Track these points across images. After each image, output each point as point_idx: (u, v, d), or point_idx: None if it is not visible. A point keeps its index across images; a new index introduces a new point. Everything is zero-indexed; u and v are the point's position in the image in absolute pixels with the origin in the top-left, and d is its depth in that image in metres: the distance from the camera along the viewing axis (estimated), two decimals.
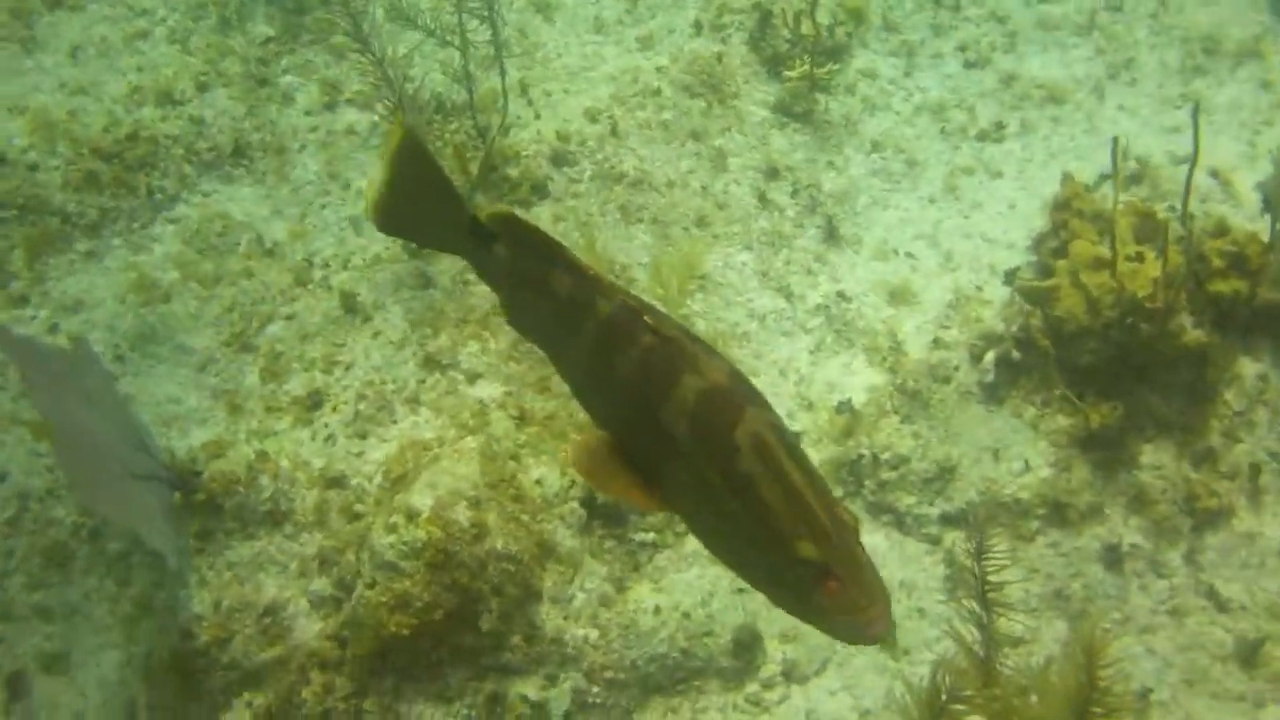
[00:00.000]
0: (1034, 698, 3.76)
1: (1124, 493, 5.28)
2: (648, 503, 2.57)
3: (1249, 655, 4.98)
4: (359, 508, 4.94)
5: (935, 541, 5.31)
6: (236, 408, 5.34)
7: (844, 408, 5.60)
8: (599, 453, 2.62)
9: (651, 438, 2.53)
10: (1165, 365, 5.34)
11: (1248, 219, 6.01)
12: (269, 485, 4.93)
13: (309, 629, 4.69)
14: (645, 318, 2.56)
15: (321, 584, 4.78)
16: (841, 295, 6.13)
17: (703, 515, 2.50)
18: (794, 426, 5.55)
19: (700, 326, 5.82)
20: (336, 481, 5.03)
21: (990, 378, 5.54)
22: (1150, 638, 5.05)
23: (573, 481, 5.06)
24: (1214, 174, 6.44)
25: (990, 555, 4.40)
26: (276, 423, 5.26)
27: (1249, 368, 5.50)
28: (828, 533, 2.33)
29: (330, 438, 5.20)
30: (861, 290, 6.16)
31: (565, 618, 4.84)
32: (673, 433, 2.48)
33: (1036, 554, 5.20)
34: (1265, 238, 5.50)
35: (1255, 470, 5.30)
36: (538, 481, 5.03)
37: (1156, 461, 5.31)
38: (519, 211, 3.07)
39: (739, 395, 2.48)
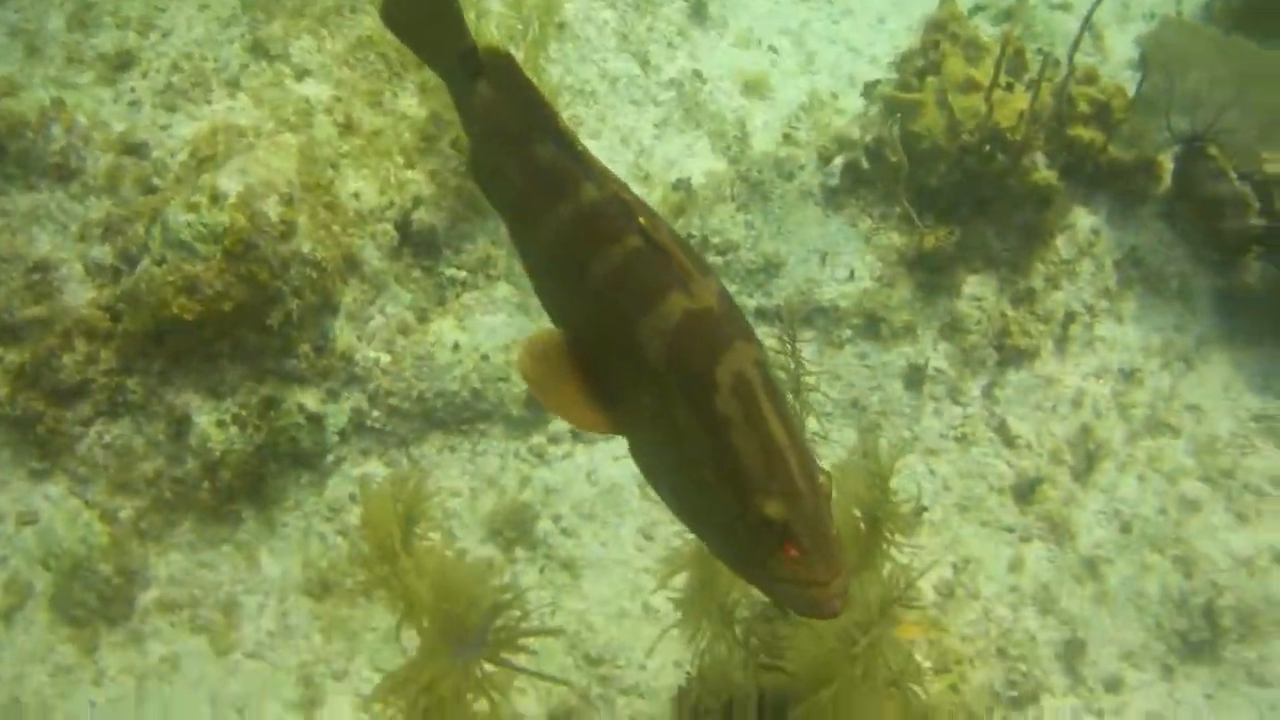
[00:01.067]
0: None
1: (940, 318, 5.28)
2: (598, 422, 2.27)
3: (1025, 492, 5.09)
4: (157, 181, 4.59)
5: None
6: (35, 50, 4.86)
7: (681, 185, 5.43)
8: (551, 356, 2.30)
9: (619, 352, 2.24)
10: (1008, 202, 5.31)
11: (1111, 73, 5.98)
12: (60, 137, 4.52)
13: (80, 295, 4.37)
14: (639, 217, 2.26)
15: (103, 252, 4.44)
16: (698, 75, 5.91)
17: (660, 449, 2.23)
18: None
19: (553, 75, 5.54)
20: (136, 149, 4.65)
21: (834, 182, 5.43)
22: (934, 460, 5.11)
23: (391, 202, 4.80)
24: (1089, 26, 6.38)
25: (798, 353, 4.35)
26: (78, 75, 4.81)
27: (1084, 219, 5.52)
28: (799, 493, 2.06)
29: (135, 103, 4.79)
30: (718, 74, 5.96)
31: (359, 337, 4.63)
32: (645, 353, 2.19)
33: (843, 362, 5.19)
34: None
35: (1069, 318, 5.36)
36: (355, 195, 4.75)
37: (978, 294, 5.31)
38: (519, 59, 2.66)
39: (728, 325, 2.20)
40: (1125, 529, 5.13)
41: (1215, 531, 5.21)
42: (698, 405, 2.12)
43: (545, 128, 2.40)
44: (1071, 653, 4.86)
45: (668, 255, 2.22)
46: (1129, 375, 5.42)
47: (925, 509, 4.95)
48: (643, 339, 2.19)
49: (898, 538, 3.53)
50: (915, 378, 5.19)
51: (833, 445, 4.89)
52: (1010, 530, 5.02)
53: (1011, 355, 5.29)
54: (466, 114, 2.62)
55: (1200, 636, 5.00)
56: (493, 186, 2.59)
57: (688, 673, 4.10)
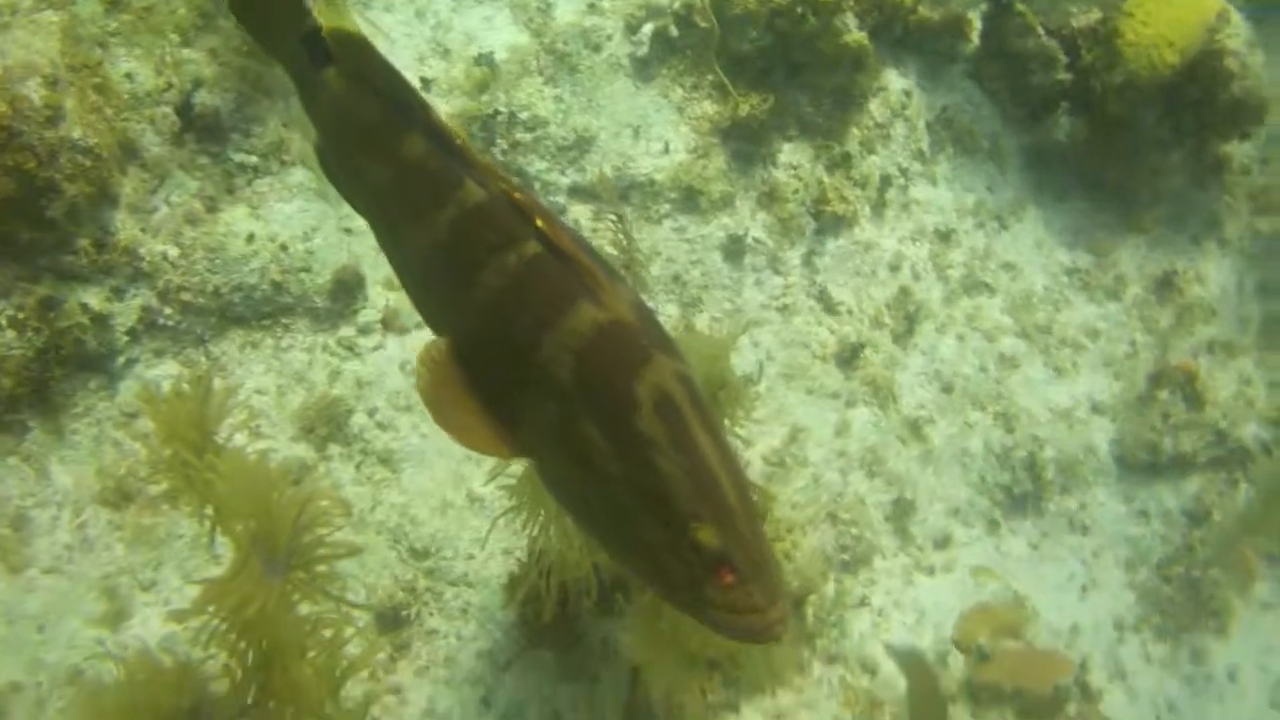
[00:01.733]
0: None
1: (757, 188, 5.19)
2: (500, 448, 2.07)
3: (849, 358, 5.07)
4: None
5: (561, 212, 5.07)
6: None
7: (484, 60, 5.18)
8: (446, 372, 2.07)
9: (520, 370, 2.02)
10: (820, 66, 5.22)
11: None
12: None
13: None
14: (535, 219, 2.02)
15: None
16: None
17: (573, 474, 2.02)
18: (425, 72, 5.09)
19: None
20: None
21: (643, 52, 5.25)
22: (758, 331, 5.05)
23: (169, 83, 4.45)
24: None
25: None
26: None
27: (895, 82, 5.47)
28: (732, 516, 1.91)
29: None
30: None
31: (143, 230, 4.31)
32: (553, 370, 1.97)
33: (662, 236, 5.06)
34: None
35: (885, 183, 5.32)
36: (127, 75, 4.39)
37: (794, 161, 5.23)
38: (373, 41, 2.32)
39: (645, 337, 2.00)
40: (947, 389, 5.17)
41: (1034, 386, 5.29)
42: (616, 427, 1.94)
43: (411, 119, 2.13)
44: (900, 513, 4.90)
45: (571, 261, 2.00)
46: (945, 236, 5.43)
47: (751, 380, 4.90)
48: (548, 356, 1.98)
49: (739, 414, 3.44)
50: (735, 249, 5.10)
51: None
52: (835, 396, 5.01)
53: (829, 222, 5.23)
54: (314, 108, 2.31)
55: (1023, 490, 5.09)
56: (352, 190, 2.31)
57: (519, 559, 3.98)
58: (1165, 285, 5.75)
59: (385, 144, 2.16)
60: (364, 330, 4.61)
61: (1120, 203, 5.82)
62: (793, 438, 4.85)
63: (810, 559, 4.58)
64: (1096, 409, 5.38)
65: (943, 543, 4.94)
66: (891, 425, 5.02)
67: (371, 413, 4.50)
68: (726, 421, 3.42)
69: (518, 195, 2.06)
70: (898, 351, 5.16)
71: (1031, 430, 5.17)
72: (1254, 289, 5.96)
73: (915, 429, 5.05)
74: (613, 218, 4.39)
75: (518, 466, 3.42)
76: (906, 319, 5.21)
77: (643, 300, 2.09)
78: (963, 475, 5.06)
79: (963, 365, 5.21)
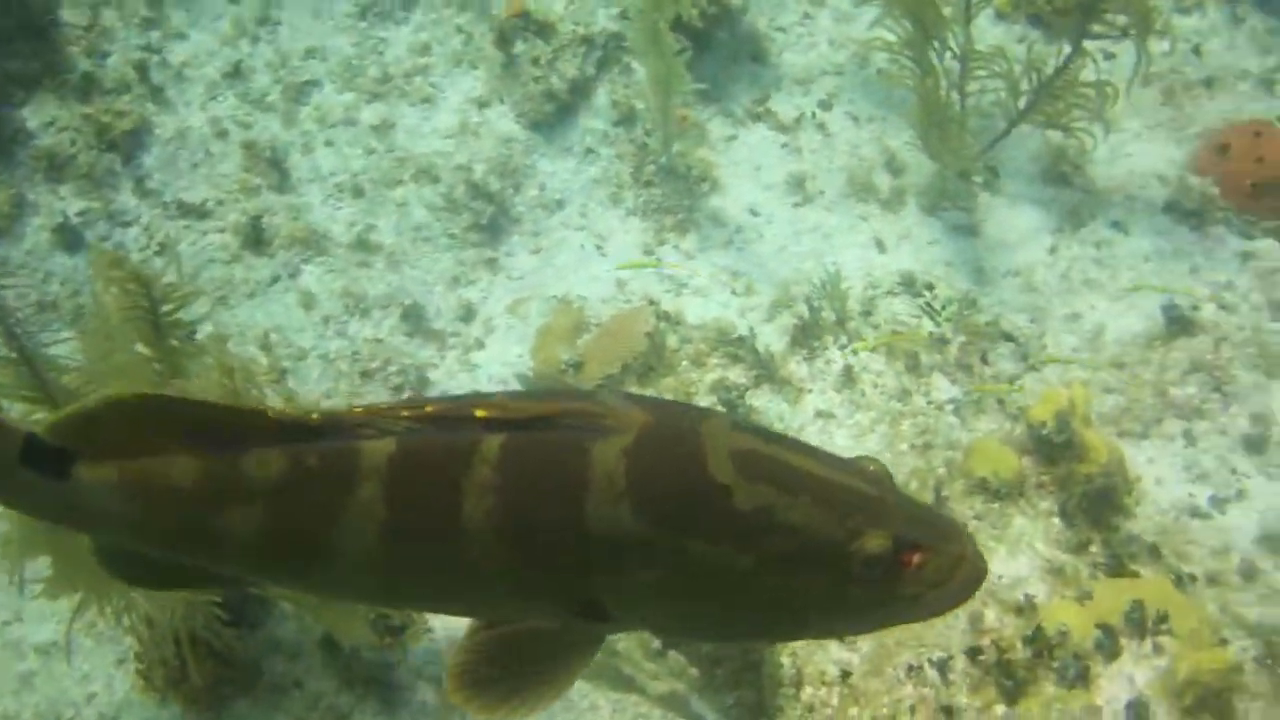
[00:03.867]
0: None
1: None
2: (588, 652, 1.81)
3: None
4: None
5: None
6: None
7: None
8: (481, 670, 1.78)
9: (578, 556, 1.73)
10: None
11: None
12: None
13: None
14: (470, 411, 1.72)
15: None
16: None
17: (703, 606, 1.78)
18: None
19: None
20: None
21: None
22: None
23: None
24: None
25: None
26: None
27: None
28: (871, 502, 1.75)
29: None
30: None
31: None
32: (616, 528, 1.70)
33: None
34: None
35: None
36: None
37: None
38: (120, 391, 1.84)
39: (682, 420, 1.79)
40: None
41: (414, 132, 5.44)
42: (720, 526, 1.71)
43: (242, 440, 1.75)
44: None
45: (542, 420, 1.73)
46: None
47: None
48: (599, 524, 1.71)
49: None
50: None
51: None
52: None
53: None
54: (80, 519, 1.84)
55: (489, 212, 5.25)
56: (206, 562, 1.87)
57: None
58: None
59: (228, 488, 1.75)
60: None
61: None
62: None
63: None
64: (481, 105, 5.52)
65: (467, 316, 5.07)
66: None
67: None
68: None
69: (430, 409, 1.74)
70: None
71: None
72: None
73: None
74: None
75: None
76: None
77: (654, 398, 1.87)
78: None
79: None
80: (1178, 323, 4.49)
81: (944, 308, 4.71)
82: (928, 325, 4.67)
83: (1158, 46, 4.90)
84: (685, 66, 4.99)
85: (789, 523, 1.70)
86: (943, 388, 4.47)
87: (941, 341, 4.58)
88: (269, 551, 1.79)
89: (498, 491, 1.70)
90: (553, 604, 1.78)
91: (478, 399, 1.73)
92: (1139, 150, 5.17)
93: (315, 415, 1.74)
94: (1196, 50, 5.34)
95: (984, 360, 4.55)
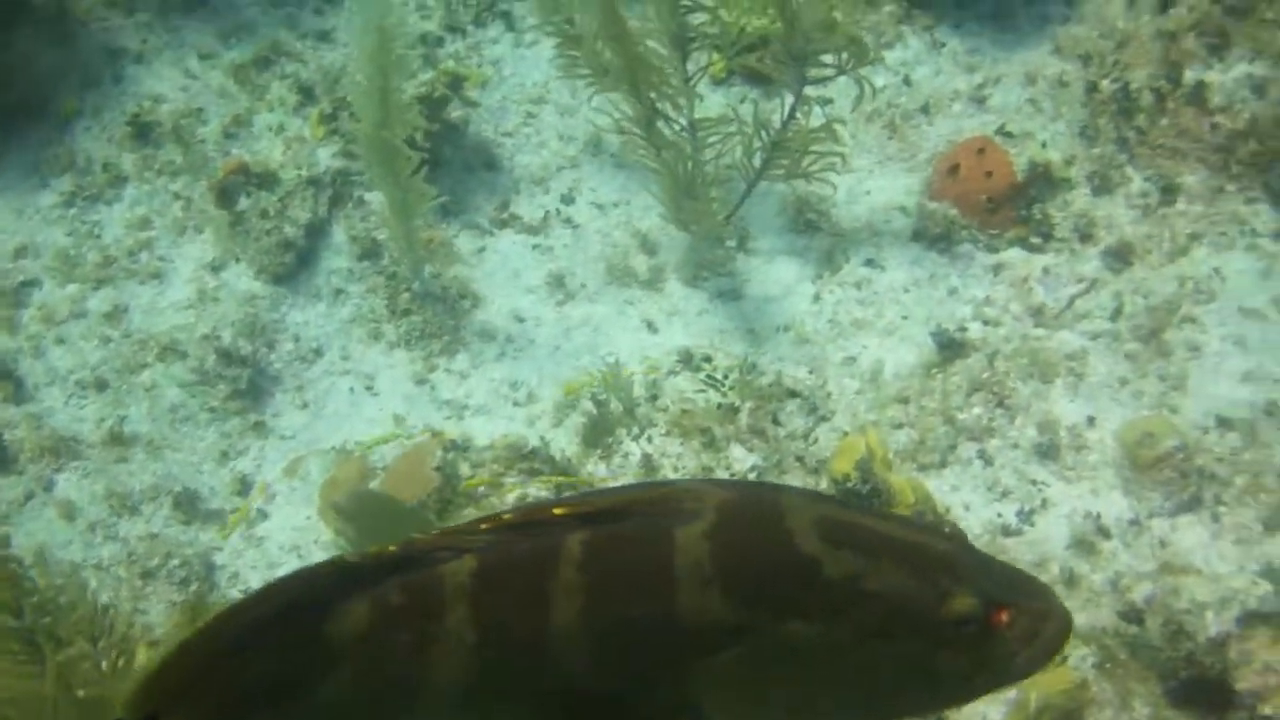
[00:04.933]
0: None
1: None
2: None
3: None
4: None
5: None
6: None
7: None
8: None
9: (662, 665, 1.67)
10: None
11: None
12: None
13: None
14: (549, 512, 1.67)
15: None
16: None
17: (797, 690, 1.71)
18: None
19: None
20: None
21: None
22: None
23: None
24: None
25: None
26: None
27: None
28: (963, 563, 1.70)
29: None
30: None
31: None
32: (703, 623, 1.65)
33: None
34: None
35: None
36: None
37: None
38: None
39: (761, 494, 1.77)
40: None
41: None
42: (808, 604, 1.66)
43: (319, 610, 1.67)
44: None
45: (620, 511, 1.67)
46: None
47: None
48: (691, 615, 1.65)
49: None
50: None
51: None
52: None
53: None
54: None
55: None
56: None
57: None
58: None
59: (310, 664, 1.68)
60: None
61: None
62: None
63: None
64: (215, 269, 5.34)
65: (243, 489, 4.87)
66: None
67: None
68: None
69: (508, 517, 1.69)
70: None
71: None
72: None
73: None
74: None
75: None
76: None
77: (731, 481, 1.78)
78: None
79: None
80: (949, 346, 4.57)
81: (726, 376, 4.69)
82: (715, 398, 4.63)
83: (876, 80, 5.04)
84: (424, 180, 4.89)
85: (878, 590, 1.66)
86: (741, 457, 4.43)
87: (731, 410, 4.55)
88: (362, 706, 1.70)
89: (586, 592, 1.64)
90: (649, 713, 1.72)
91: (556, 500, 1.75)
92: (875, 186, 5.28)
93: (391, 548, 1.65)
94: (907, 80, 5.50)
95: (775, 421, 4.53)
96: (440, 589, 1.64)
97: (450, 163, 5.49)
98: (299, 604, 1.66)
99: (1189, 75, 4.92)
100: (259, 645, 1.66)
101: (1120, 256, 4.82)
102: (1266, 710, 3.31)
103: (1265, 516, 3.95)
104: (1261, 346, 4.58)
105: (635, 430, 4.58)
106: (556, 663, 1.67)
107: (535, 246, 5.36)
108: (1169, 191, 4.87)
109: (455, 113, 5.51)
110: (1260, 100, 4.80)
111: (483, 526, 1.66)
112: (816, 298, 5.01)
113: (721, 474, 4.39)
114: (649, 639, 1.66)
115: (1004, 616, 1.69)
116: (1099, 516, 4.04)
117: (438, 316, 5.14)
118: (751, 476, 4.35)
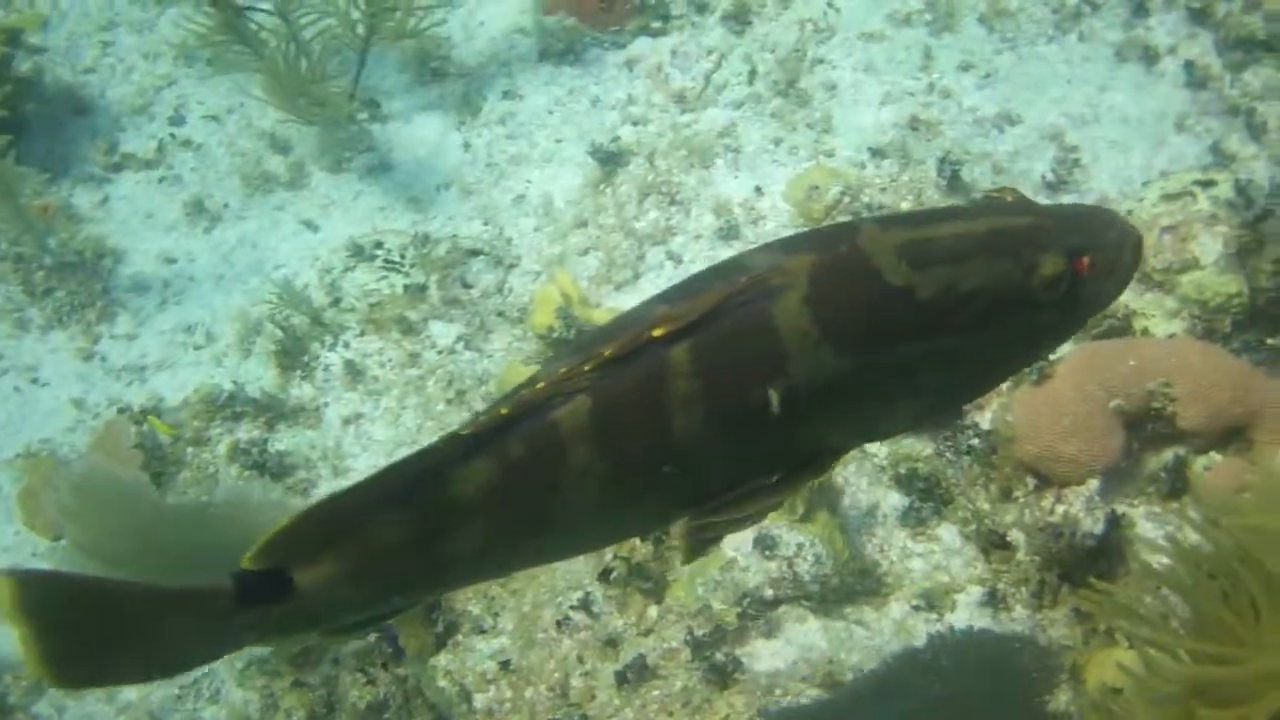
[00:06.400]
0: None
1: None
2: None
3: None
4: None
5: None
6: None
7: None
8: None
9: (792, 431, 1.77)
10: None
11: None
12: None
13: None
14: (647, 342, 1.68)
15: None
16: None
17: (916, 400, 1.86)
18: None
19: None
20: None
21: None
22: None
23: None
24: None
25: None
26: None
27: None
28: (1035, 226, 1.81)
29: None
30: None
31: None
32: (822, 380, 1.74)
33: None
34: None
35: None
36: None
37: None
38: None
39: (839, 241, 1.78)
40: None
41: None
42: (916, 324, 1.77)
43: (441, 475, 1.73)
44: None
45: (719, 313, 1.70)
46: None
47: None
48: (805, 371, 1.74)
49: None
50: None
51: None
52: None
53: None
54: (304, 625, 1.85)
55: None
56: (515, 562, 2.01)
57: None
58: None
59: (442, 519, 1.76)
60: None
61: None
62: None
63: None
64: None
65: None
66: None
67: None
68: None
69: (607, 351, 1.69)
70: None
71: None
72: None
73: None
74: None
75: None
76: None
77: (774, 242, 1.86)
78: None
79: None
80: (608, 159, 4.50)
81: (403, 256, 4.51)
82: (399, 280, 4.46)
83: None
84: (13, 161, 4.43)
85: (972, 288, 1.76)
86: (443, 332, 4.32)
87: (419, 289, 4.40)
88: (499, 552, 1.83)
89: (703, 398, 1.71)
90: (782, 466, 1.85)
91: (646, 319, 1.70)
92: (489, 15, 5.09)
93: (504, 409, 1.71)
94: None
95: (465, 285, 4.42)
96: (558, 433, 1.71)
97: (38, 120, 5.00)
98: (421, 473, 1.73)
99: None
100: (389, 509, 1.73)
101: (738, 19, 4.83)
102: None
103: None
104: (889, 66, 4.71)
105: (329, 339, 4.40)
106: (689, 463, 1.77)
107: (161, 180, 4.98)
108: None
109: (24, 66, 4.98)
110: None
111: (585, 368, 1.69)
112: (467, 145, 4.85)
113: (428, 355, 4.27)
114: (774, 418, 1.74)
115: (1085, 261, 1.82)
116: None
117: (82, 284, 4.75)
118: (458, 348, 4.26)
